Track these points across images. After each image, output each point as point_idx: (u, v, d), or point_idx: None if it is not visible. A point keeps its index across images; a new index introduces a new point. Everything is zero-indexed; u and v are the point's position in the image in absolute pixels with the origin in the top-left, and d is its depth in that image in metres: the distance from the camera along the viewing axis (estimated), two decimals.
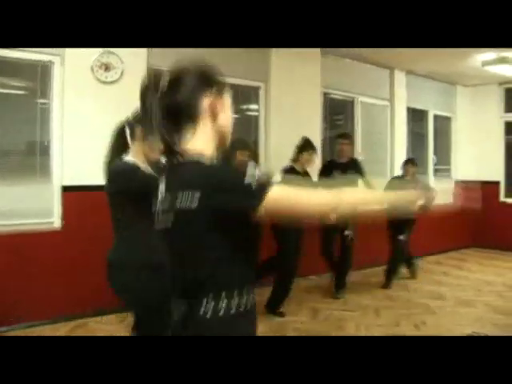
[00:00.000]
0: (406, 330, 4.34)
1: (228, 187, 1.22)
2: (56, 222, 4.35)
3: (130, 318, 4.43)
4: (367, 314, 4.84)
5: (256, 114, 5.92)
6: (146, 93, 1.33)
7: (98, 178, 4.42)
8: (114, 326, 4.30)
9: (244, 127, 5.95)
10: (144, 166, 2.43)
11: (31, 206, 4.28)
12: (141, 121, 2.47)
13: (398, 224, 5.71)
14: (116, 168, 2.44)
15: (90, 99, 4.41)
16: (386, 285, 5.85)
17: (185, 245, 1.28)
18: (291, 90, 5.89)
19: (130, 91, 4.58)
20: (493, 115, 8.26)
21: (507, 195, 8.25)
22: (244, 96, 5.85)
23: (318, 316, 4.75)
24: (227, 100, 1.41)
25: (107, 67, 4.49)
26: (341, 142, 5.56)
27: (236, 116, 6.13)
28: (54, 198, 4.34)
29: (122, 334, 4.09)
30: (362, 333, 4.25)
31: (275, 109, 5.80)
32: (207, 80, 1.36)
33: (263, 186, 1.22)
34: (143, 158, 2.45)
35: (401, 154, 7.34)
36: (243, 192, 1.22)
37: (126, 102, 4.62)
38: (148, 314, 2.37)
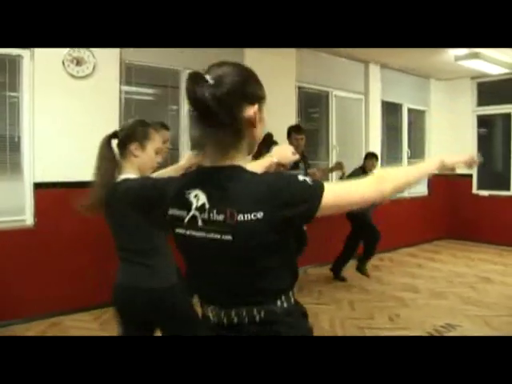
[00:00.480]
0: (381, 322, 4.40)
1: (291, 199, 1.22)
2: (28, 219, 4.29)
3: (104, 316, 4.42)
4: (342, 307, 4.89)
5: None
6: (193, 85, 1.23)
7: (70, 174, 4.40)
8: (89, 323, 4.27)
9: None
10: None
11: (2, 204, 4.21)
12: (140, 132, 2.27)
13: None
14: (120, 187, 2.13)
15: (61, 94, 4.34)
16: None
17: (243, 256, 1.26)
18: (265, 83, 5.75)
19: (103, 86, 4.60)
20: (466, 109, 8.37)
21: (479, 188, 8.38)
22: None
23: None
24: (264, 113, 1.36)
25: (79, 62, 4.42)
26: (297, 137, 5.23)
27: None
28: (25, 195, 4.27)
29: (97, 332, 4.08)
30: (337, 327, 4.29)
31: None
32: (254, 90, 1.32)
33: (319, 183, 1.25)
34: (138, 174, 2.27)
35: (375, 147, 7.40)
36: (305, 199, 1.22)
37: (98, 97, 4.61)
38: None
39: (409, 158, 8.20)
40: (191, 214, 1.28)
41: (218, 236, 1.24)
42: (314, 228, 5.50)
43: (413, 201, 8.07)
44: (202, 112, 1.24)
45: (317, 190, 1.23)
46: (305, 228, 5.15)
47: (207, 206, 1.26)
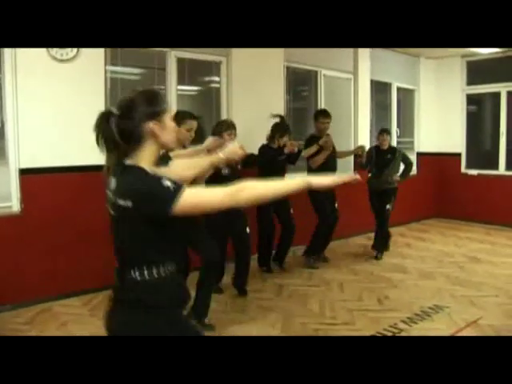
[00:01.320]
0: (369, 304, 4.44)
1: (148, 198, 1.61)
2: (15, 206, 4.24)
3: (94, 301, 4.42)
4: (331, 288, 4.92)
5: (218, 85, 5.85)
6: (101, 121, 1.72)
7: (56, 159, 4.35)
8: (79, 309, 4.27)
9: (206, 99, 5.98)
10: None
11: None
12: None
13: (384, 194, 5.96)
14: None
15: (44, 78, 4.25)
16: (380, 255, 6.08)
17: (120, 230, 1.73)
18: (253, 64, 5.81)
19: (87, 70, 4.51)
20: (455, 88, 8.34)
21: (468, 167, 8.42)
22: (205, 69, 5.81)
23: (283, 292, 4.80)
24: (168, 120, 1.79)
25: None
26: (323, 121, 5.69)
27: (197, 88, 6.08)
28: (11, 182, 4.21)
29: (87, 317, 4.08)
30: (326, 309, 4.32)
31: (237, 83, 5.72)
32: (149, 110, 1.73)
33: (179, 188, 1.60)
34: None
35: (364, 126, 7.41)
36: (160, 199, 1.60)
37: (82, 80, 4.53)
38: None
39: (398, 136, 8.19)
40: (109, 195, 1.74)
41: (113, 213, 1.71)
42: (306, 211, 5.58)
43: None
44: (113, 138, 1.68)
45: (175, 193, 1.58)
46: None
47: (114, 190, 1.69)
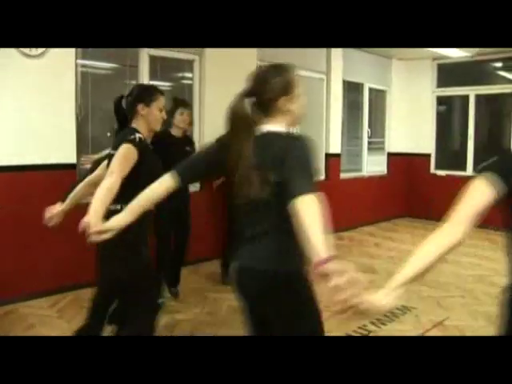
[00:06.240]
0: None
1: None
2: None
3: (61, 302, 4.34)
4: None
5: (190, 82, 5.81)
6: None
7: (29, 157, 4.24)
8: (46, 310, 4.19)
9: (178, 95, 5.89)
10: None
11: None
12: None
13: None
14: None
15: (13, 74, 4.15)
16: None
17: None
18: (226, 62, 5.77)
19: (57, 64, 4.40)
20: (426, 89, 8.47)
21: (437, 167, 8.56)
22: (178, 65, 5.80)
23: None
24: (155, 107, 2.64)
25: None
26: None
27: (170, 84, 6.03)
28: None
29: (56, 320, 4.00)
30: None
31: (210, 81, 5.69)
32: (142, 96, 2.63)
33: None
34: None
35: (336, 126, 7.46)
36: None
37: (52, 76, 4.42)
38: None
39: (369, 137, 8.27)
40: None
41: None
42: None
43: (372, 179, 8.17)
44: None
45: None
46: None
47: None
